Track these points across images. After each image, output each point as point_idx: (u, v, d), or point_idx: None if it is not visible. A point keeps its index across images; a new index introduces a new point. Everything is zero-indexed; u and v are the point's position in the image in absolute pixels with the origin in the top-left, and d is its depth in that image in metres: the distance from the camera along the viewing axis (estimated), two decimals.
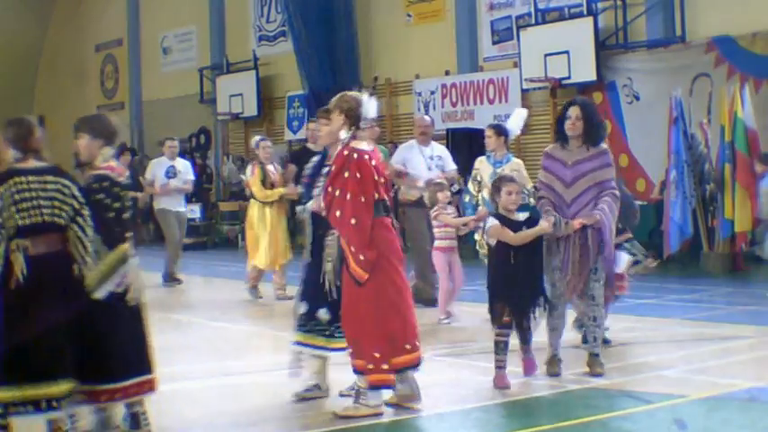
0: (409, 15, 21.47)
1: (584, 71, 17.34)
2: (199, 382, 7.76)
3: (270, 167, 12.69)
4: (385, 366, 6.26)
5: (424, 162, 11.28)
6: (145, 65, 29.08)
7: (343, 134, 6.48)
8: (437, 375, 7.65)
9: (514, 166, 10.10)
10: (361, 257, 6.22)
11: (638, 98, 16.87)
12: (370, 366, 6.26)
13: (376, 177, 6.36)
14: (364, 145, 6.48)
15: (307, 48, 22.06)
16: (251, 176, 12.65)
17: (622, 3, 17.34)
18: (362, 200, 6.25)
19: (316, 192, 6.83)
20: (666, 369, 7.61)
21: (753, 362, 7.95)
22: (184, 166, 15.14)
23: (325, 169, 6.69)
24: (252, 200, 12.80)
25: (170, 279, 14.50)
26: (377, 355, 6.26)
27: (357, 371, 6.37)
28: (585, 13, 17.56)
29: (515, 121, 10.29)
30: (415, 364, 6.41)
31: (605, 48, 17.46)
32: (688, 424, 5.96)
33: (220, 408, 6.86)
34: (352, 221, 6.22)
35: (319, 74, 21.95)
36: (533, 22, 18.48)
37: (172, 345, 9.49)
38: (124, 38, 29.77)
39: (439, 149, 11.66)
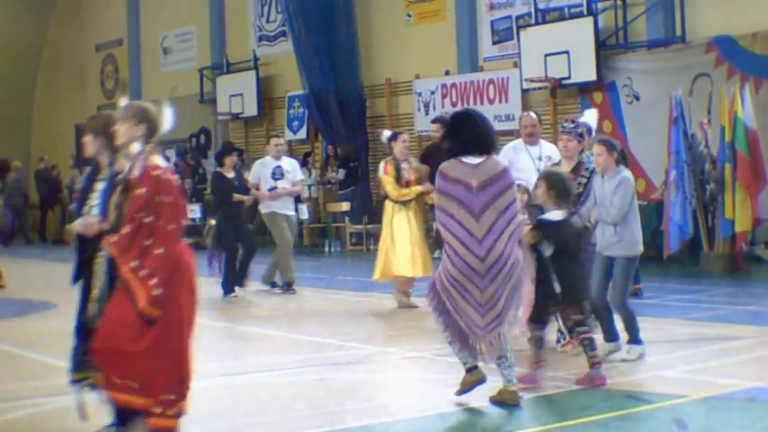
0: (409, 15, 21.48)
1: (585, 71, 17.34)
2: (198, 382, 7.74)
3: (404, 164, 11.56)
4: (171, 412, 5.60)
5: (533, 163, 9.89)
6: (145, 65, 29.10)
7: (137, 147, 5.68)
8: (438, 375, 7.67)
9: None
10: (157, 293, 5.44)
11: (638, 98, 16.87)
12: (158, 410, 5.56)
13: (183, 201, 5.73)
14: (162, 161, 5.70)
15: (307, 48, 22.07)
16: (383, 174, 11.57)
17: (622, 3, 17.34)
18: (173, 227, 5.55)
19: (89, 209, 5.95)
20: (666, 369, 7.61)
21: (753, 362, 7.95)
22: (292, 166, 13.80)
23: (100, 184, 5.92)
24: (386, 200, 11.74)
25: (285, 286, 13.30)
26: (171, 397, 5.59)
27: (134, 410, 5.62)
28: (585, 13, 17.57)
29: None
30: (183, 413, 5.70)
31: (605, 48, 17.46)
32: (688, 424, 5.96)
33: (220, 408, 6.86)
34: (159, 251, 5.47)
35: (319, 74, 21.96)
36: (533, 22, 18.49)
37: None
38: (124, 38, 29.78)
39: (548, 149, 10.16)
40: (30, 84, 32.62)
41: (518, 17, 19.03)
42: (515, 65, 18.74)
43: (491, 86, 19.45)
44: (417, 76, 20.88)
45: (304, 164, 22.79)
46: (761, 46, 15.32)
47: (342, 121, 21.68)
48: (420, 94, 20.75)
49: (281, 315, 11.82)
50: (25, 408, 6.87)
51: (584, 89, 17.55)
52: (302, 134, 23.53)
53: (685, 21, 16.53)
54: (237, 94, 24.40)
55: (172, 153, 26.15)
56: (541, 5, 18.42)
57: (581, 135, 8.38)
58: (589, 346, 7.13)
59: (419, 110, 20.70)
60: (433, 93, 20.54)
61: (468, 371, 6.69)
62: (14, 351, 9.36)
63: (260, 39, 24.89)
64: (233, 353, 9.19)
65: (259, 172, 13.59)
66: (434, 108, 20.35)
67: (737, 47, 15.54)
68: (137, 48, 29.33)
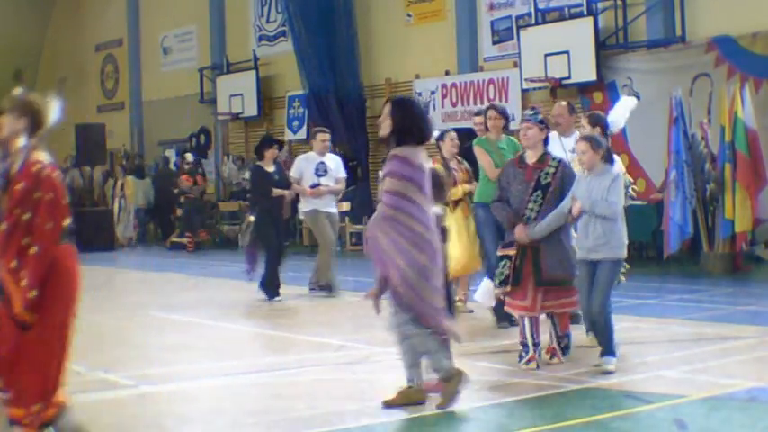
0: (409, 15, 21.48)
1: (585, 71, 17.34)
2: (199, 382, 7.76)
3: (452, 163, 10.96)
4: (36, 422, 5.39)
5: (565, 156, 9.03)
6: (145, 65, 29.10)
7: (22, 141, 5.51)
8: (437, 375, 7.66)
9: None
10: (31, 295, 5.20)
11: (638, 98, 16.75)
12: (27, 421, 5.36)
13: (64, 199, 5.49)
14: (45, 156, 5.53)
15: (307, 48, 22.08)
16: None
17: (622, 3, 17.35)
18: (51, 226, 5.31)
19: None
20: (666, 369, 7.61)
21: (753, 362, 7.95)
22: (335, 163, 13.18)
23: None
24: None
25: (324, 287, 12.80)
26: (37, 407, 5.37)
27: (14, 421, 5.43)
28: (585, 13, 17.57)
29: (619, 113, 9.04)
30: (55, 418, 5.46)
31: (605, 48, 17.47)
32: (688, 424, 5.96)
33: (220, 408, 6.86)
34: (35, 250, 5.24)
35: (319, 74, 21.97)
36: (533, 22, 18.49)
37: (172, 345, 9.52)
38: (124, 38, 29.79)
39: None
40: (30, 84, 32.62)
41: (518, 17, 19.04)
42: (515, 65, 18.74)
43: (491, 86, 19.46)
44: (417, 77, 20.89)
45: None
46: (761, 46, 15.33)
47: (342, 121, 21.68)
48: (420, 94, 20.74)
49: (280, 315, 11.81)
50: None
51: (584, 89, 17.56)
52: (302, 134, 23.50)
53: (685, 21, 16.54)
54: (237, 94, 24.40)
55: (172, 153, 26.19)
56: (541, 5, 18.43)
57: (542, 122, 7.96)
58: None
59: None
60: (433, 93, 20.54)
61: (446, 379, 6.48)
62: None
63: (260, 39, 24.89)
64: (233, 353, 9.18)
65: (302, 167, 13.03)
66: (434, 108, 20.36)
67: (737, 47, 15.55)
68: (137, 48, 29.35)
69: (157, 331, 10.45)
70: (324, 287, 12.79)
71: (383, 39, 21.87)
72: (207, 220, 23.23)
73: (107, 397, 7.22)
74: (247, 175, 23.65)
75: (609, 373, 7.34)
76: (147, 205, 24.80)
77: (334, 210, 13.10)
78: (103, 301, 12.18)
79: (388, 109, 6.65)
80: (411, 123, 6.59)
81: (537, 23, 18.39)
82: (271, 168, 13.00)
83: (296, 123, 23.63)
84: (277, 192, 12.79)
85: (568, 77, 17.56)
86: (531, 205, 7.78)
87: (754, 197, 13.69)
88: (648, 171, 16.25)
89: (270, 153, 13.04)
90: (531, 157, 7.91)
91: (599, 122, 8.62)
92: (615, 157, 8.30)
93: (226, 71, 25.10)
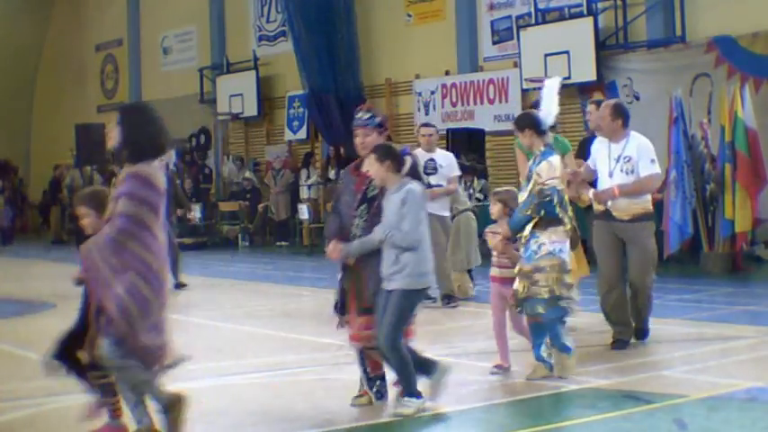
0: (409, 15, 21.48)
1: (585, 71, 17.34)
2: (199, 382, 7.76)
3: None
4: None
5: (607, 165, 8.52)
6: (145, 65, 29.10)
7: None
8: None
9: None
10: None
11: (638, 98, 16.86)
12: None
13: None
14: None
15: (307, 48, 22.07)
16: None
17: (622, 3, 17.34)
18: None
19: None
20: (666, 369, 7.62)
21: (753, 362, 7.95)
22: (447, 161, 11.85)
23: None
24: None
25: (444, 298, 11.35)
26: None
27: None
28: (585, 13, 17.57)
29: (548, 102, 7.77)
30: None
31: (605, 48, 17.47)
32: (688, 424, 5.97)
33: (222, 407, 6.86)
34: None
35: (319, 74, 21.96)
36: (533, 22, 18.49)
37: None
38: (124, 38, 29.79)
39: (633, 147, 8.54)
40: (30, 84, 32.63)
41: (518, 17, 19.04)
42: (515, 65, 18.74)
43: (491, 86, 19.46)
44: (417, 76, 20.88)
45: (305, 164, 22.85)
46: (761, 46, 15.33)
47: (342, 121, 21.65)
48: (420, 94, 20.75)
49: (281, 315, 11.81)
50: (25, 408, 6.87)
51: (584, 89, 17.55)
52: (302, 134, 23.53)
53: (685, 21, 16.53)
54: (237, 94, 24.40)
55: (171, 153, 26.16)
56: (541, 5, 18.43)
57: (380, 125, 6.82)
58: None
59: (419, 110, 20.69)
60: (433, 93, 20.54)
61: (166, 410, 5.84)
62: (15, 351, 9.36)
63: (260, 39, 24.89)
64: (234, 353, 9.18)
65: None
66: (434, 108, 20.37)
67: (737, 47, 15.55)
68: (137, 48, 29.34)
69: None
70: (444, 297, 11.31)
71: (383, 39, 21.87)
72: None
73: None
74: (248, 174, 23.78)
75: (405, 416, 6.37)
76: None
77: (447, 212, 11.68)
78: None
79: (117, 117, 5.95)
80: (141, 135, 5.84)
81: (537, 23, 18.39)
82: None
83: (296, 123, 23.63)
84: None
85: (568, 77, 17.53)
86: (356, 220, 6.61)
87: (754, 197, 13.69)
88: None
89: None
90: (368, 165, 6.59)
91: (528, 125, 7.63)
92: (551, 159, 7.44)
93: (226, 71, 25.10)
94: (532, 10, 18.45)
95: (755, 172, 13.77)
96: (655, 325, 8.93)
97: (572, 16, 17.92)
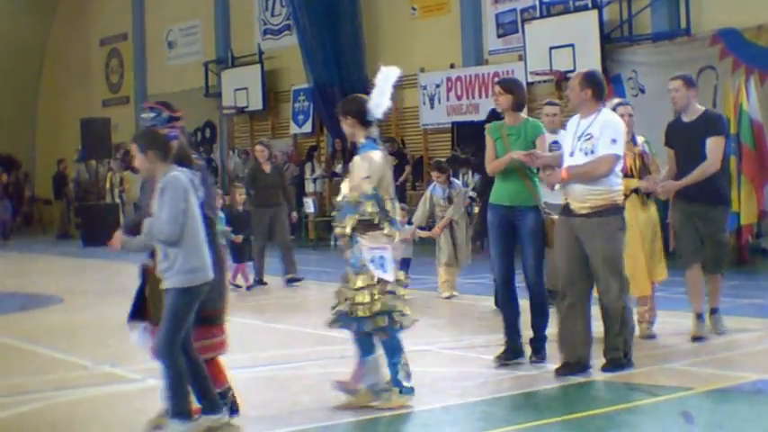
0: (414, 8, 21.47)
1: (589, 64, 17.24)
2: None
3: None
4: None
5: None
6: (150, 59, 29.11)
7: None
8: (443, 368, 7.68)
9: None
10: None
11: (643, 91, 16.85)
12: None
13: None
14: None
15: (312, 41, 22.07)
16: None
17: None
18: None
19: None
20: (672, 362, 7.61)
21: (759, 354, 7.95)
22: None
23: None
24: None
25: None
26: None
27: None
28: (590, 6, 17.56)
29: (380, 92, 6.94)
30: None
31: (610, 41, 17.45)
32: (694, 417, 5.96)
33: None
34: None
35: (324, 67, 21.97)
36: (538, 15, 18.49)
37: None
38: (129, 32, 29.81)
39: (597, 124, 7.31)
40: (34, 78, 32.66)
41: (523, 10, 19.03)
42: (520, 58, 18.73)
43: (496, 80, 19.38)
44: (422, 70, 20.87)
45: (310, 158, 22.85)
46: (766, 38, 15.30)
47: None
48: (425, 88, 20.74)
49: (286, 308, 11.82)
50: (32, 402, 6.88)
51: None
52: (307, 128, 23.54)
53: (690, 13, 16.51)
54: (242, 87, 24.42)
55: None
56: None
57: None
58: None
59: (424, 103, 20.69)
60: (437, 86, 20.53)
61: None
62: (21, 345, 9.38)
63: (265, 32, 24.89)
64: (239, 346, 9.16)
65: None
66: (439, 101, 20.36)
67: (742, 39, 15.52)
68: (141, 42, 29.36)
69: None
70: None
71: (388, 32, 21.86)
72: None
73: (114, 391, 7.25)
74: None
75: None
76: None
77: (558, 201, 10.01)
78: (109, 296, 12.19)
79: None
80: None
81: (542, 16, 18.38)
82: None
83: (301, 117, 23.64)
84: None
85: (573, 70, 17.50)
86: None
87: (760, 189, 13.67)
88: None
89: None
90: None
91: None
92: (371, 154, 6.65)
93: (231, 65, 25.12)
94: (537, 3, 18.46)
95: (761, 164, 13.74)
96: (660, 317, 8.91)
97: (577, 9, 17.91)
